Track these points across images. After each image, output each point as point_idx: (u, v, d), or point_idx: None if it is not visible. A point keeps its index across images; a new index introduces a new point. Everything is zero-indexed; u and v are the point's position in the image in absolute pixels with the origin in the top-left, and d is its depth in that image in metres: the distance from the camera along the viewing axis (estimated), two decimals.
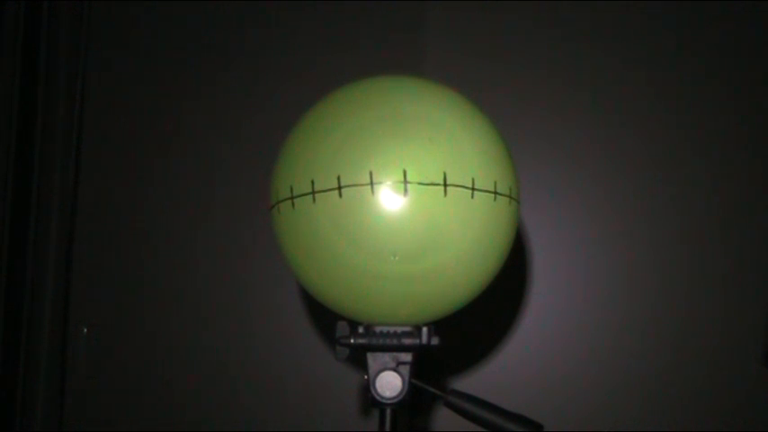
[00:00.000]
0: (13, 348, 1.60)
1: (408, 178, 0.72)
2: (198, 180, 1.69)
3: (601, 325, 1.58)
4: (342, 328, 0.81)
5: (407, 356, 0.81)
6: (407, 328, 0.80)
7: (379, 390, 0.80)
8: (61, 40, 1.67)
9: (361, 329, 0.80)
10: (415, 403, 0.82)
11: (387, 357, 0.80)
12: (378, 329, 0.80)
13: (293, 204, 0.75)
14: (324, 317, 1.63)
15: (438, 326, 0.81)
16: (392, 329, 0.80)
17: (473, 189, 0.73)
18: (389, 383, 0.80)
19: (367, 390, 0.80)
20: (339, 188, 0.73)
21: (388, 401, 0.80)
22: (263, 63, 1.70)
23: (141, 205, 1.70)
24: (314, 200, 0.74)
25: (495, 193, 0.75)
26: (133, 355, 1.68)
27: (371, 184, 0.72)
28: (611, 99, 1.61)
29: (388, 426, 0.82)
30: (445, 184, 0.72)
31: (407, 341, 0.80)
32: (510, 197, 0.77)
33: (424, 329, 0.80)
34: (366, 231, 0.72)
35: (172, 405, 1.66)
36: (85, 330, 1.69)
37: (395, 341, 0.80)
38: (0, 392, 1.58)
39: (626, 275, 1.58)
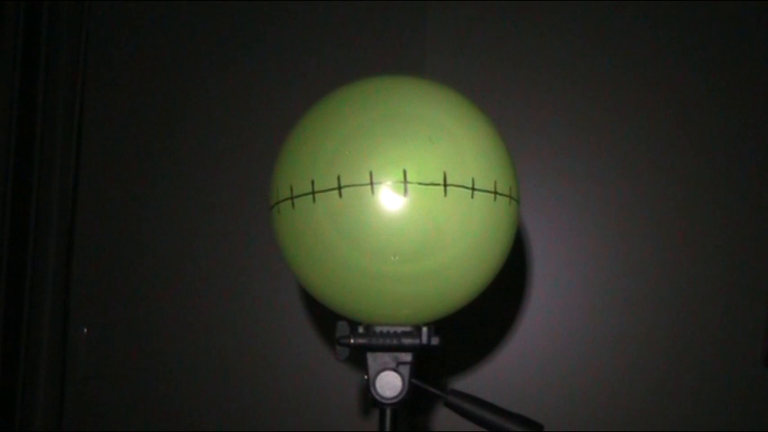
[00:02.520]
0: (13, 348, 1.60)
1: (408, 178, 0.72)
2: (198, 180, 1.69)
3: (601, 325, 1.58)
4: (342, 328, 0.81)
5: (407, 356, 0.80)
6: (407, 328, 0.80)
7: (379, 390, 0.80)
8: (61, 40, 1.67)
9: (361, 329, 0.80)
10: (415, 403, 0.82)
11: (387, 357, 0.80)
12: (378, 329, 0.80)
13: (293, 204, 0.75)
14: (324, 317, 1.63)
15: (438, 326, 0.81)
16: (392, 329, 0.80)
17: (473, 189, 0.73)
18: (389, 383, 0.80)
19: (367, 390, 0.80)
20: (339, 188, 0.72)
21: (388, 401, 0.80)
22: (263, 63, 1.69)
23: (141, 205, 1.70)
24: (314, 200, 0.74)
25: (495, 193, 0.75)
26: (133, 355, 1.68)
27: (371, 183, 0.72)
28: (612, 98, 1.61)
29: (388, 426, 0.82)
30: (445, 184, 0.72)
31: (407, 341, 0.80)
32: (510, 197, 0.77)
33: (424, 329, 0.80)
34: (366, 231, 0.72)
35: (172, 405, 1.66)
36: (85, 330, 1.69)
37: (395, 341, 0.79)
38: (0, 392, 1.58)
39: (626, 275, 1.58)
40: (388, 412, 0.82)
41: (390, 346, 0.80)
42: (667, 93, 1.60)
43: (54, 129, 1.66)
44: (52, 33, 1.66)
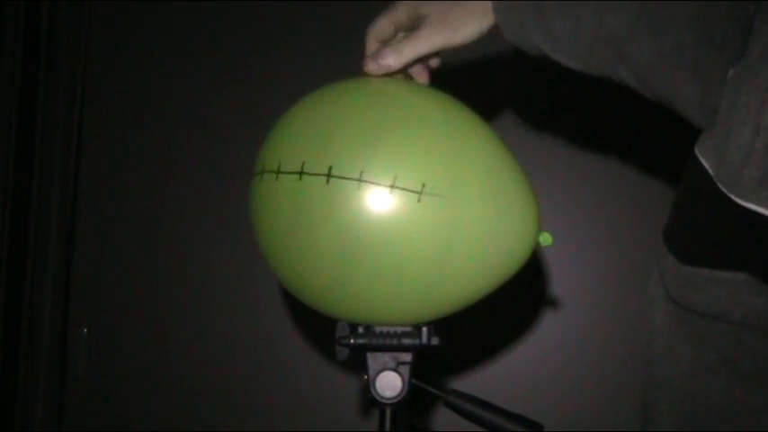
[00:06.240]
0: (13, 348, 1.60)
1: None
2: (198, 179, 1.69)
3: (600, 325, 1.57)
4: (342, 328, 0.81)
5: (407, 356, 0.80)
6: (407, 328, 0.80)
7: (379, 390, 0.80)
8: (61, 41, 1.67)
9: (361, 329, 0.80)
10: (415, 403, 0.82)
11: (387, 357, 0.80)
12: (377, 329, 0.80)
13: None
14: (324, 317, 1.62)
15: (438, 326, 0.81)
16: (392, 329, 0.80)
17: (360, 181, 0.73)
18: (389, 383, 0.79)
19: (367, 390, 0.80)
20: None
21: (388, 401, 0.80)
22: (262, 63, 1.69)
23: (141, 205, 1.70)
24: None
25: (391, 186, 0.72)
26: (133, 355, 1.68)
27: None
28: (613, 97, 1.61)
29: (388, 426, 0.81)
30: (329, 175, 0.73)
31: (407, 341, 0.79)
32: (420, 193, 0.71)
33: (424, 329, 0.80)
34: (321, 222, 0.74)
35: (172, 405, 1.66)
36: (85, 330, 1.69)
37: (394, 341, 0.79)
38: (0, 392, 1.58)
39: (626, 275, 1.58)
40: (388, 412, 0.82)
41: (390, 346, 0.79)
42: None
43: (54, 129, 1.66)
44: (52, 33, 1.66)
